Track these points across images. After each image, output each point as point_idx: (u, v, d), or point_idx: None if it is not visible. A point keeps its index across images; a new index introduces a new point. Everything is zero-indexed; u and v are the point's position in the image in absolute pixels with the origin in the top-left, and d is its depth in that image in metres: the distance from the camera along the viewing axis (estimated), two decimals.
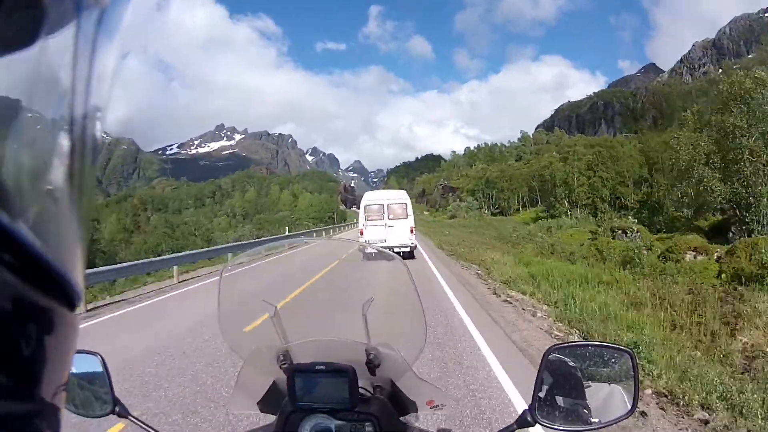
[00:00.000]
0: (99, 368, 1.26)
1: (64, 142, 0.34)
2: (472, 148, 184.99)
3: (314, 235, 51.29)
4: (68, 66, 0.34)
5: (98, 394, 1.25)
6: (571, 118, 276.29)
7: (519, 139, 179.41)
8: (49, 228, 0.34)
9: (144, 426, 1.28)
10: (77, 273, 0.36)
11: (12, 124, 0.33)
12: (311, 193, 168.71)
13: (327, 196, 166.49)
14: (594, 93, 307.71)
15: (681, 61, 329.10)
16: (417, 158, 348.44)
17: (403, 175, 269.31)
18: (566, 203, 75.34)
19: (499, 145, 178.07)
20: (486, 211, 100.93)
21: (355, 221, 47.00)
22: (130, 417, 1.26)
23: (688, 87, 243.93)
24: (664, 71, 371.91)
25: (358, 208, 21.18)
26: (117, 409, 1.25)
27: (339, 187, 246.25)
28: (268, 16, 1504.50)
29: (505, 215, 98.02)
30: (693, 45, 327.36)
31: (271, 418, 1.27)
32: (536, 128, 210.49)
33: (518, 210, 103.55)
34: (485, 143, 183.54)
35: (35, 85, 0.33)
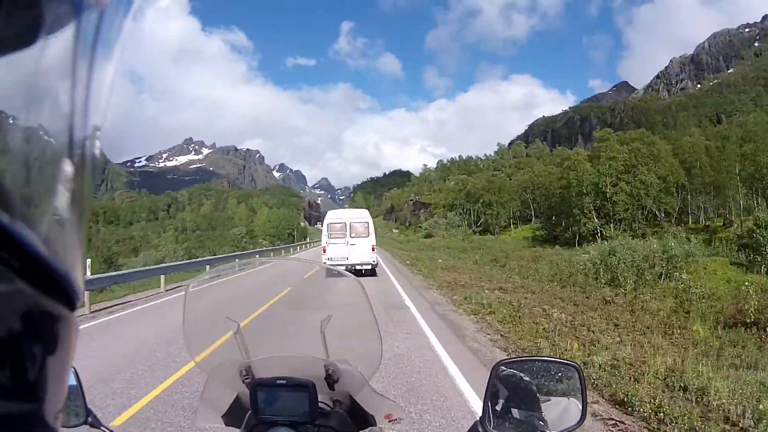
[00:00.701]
0: (72, 380, 1.25)
1: (63, 165, 0.34)
2: (445, 161, 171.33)
3: (257, 257, 39.72)
4: (69, 67, 0.33)
5: (71, 405, 1.24)
6: (546, 133, 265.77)
7: (495, 152, 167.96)
8: (49, 228, 0.33)
9: None
10: (77, 273, 0.36)
11: (12, 125, 0.32)
12: (270, 208, 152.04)
13: (287, 212, 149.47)
14: (570, 108, 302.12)
15: (658, 77, 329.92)
16: (384, 174, 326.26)
17: (370, 191, 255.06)
18: (594, 217, 57.93)
19: (474, 158, 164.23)
20: (468, 229, 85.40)
21: (317, 240, 44.21)
22: (102, 427, 1.27)
23: (666, 102, 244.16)
24: (636, 89, 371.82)
25: (323, 225, 20.94)
26: (90, 419, 1.25)
27: (303, 203, 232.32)
28: (241, 29, 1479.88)
29: (492, 234, 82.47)
30: (670, 61, 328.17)
31: (235, 431, 1.30)
32: (510, 143, 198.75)
33: (506, 227, 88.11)
34: (459, 156, 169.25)
35: (35, 85, 0.33)
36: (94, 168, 0.38)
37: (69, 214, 0.35)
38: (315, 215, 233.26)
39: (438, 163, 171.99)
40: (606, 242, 29.65)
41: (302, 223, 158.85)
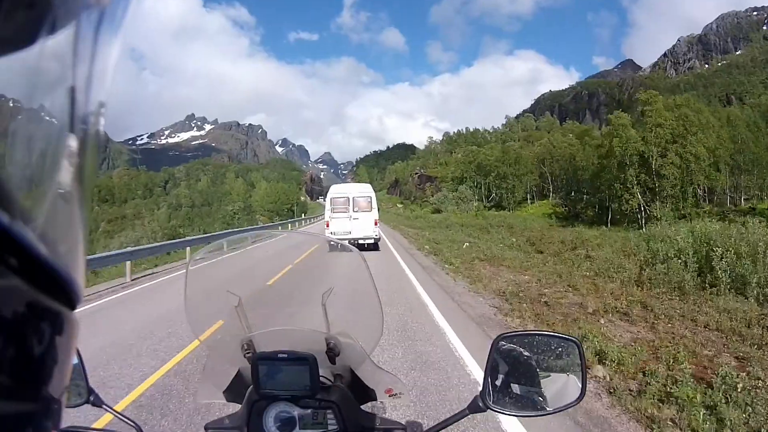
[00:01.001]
0: (74, 360, 1.22)
1: (68, 142, 0.34)
2: (451, 133, 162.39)
3: (250, 239, 31.91)
4: (69, 66, 0.33)
5: (73, 384, 1.25)
6: (553, 108, 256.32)
7: (503, 125, 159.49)
8: (50, 227, 0.33)
9: (117, 414, 1.30)
10: (78, 272, 0.36)
11: (13, 125, 0.32)
12: (270, 182, 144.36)
13: (287, 186, 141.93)
14: (577, 83, 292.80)
15: (665, 55, 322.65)
16: (388, 147, 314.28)
17: (373, 164, 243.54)
18: (638, 194, 48.88)
19: (482, 130, 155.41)
20: (479, 204, 77.52)
21: (319, 215, 42.42)
22: (104, 406, 1.28)
23: (675, 80, 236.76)
24: (642, 67, 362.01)
25: (325, 200, 21.13)
26: (92, 398, 1.27)
27: (305, 177, 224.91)
28: (242, 4, 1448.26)
29: (506, 209, 74.04)
30: (678, 40, 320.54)
31: (237, 407, 1.28)
32: (518, 116, 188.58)
33: (520, 203, 79.87)
34: (466, 128, 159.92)
35: (36, 84, 0.33)
36: (95, 168, 0.37)
37: (68, 214, 0.35)
38: (317, 189, 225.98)
39: (444, 135, 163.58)
40: (654, 224, 22.14)
41: (303, 198, 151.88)
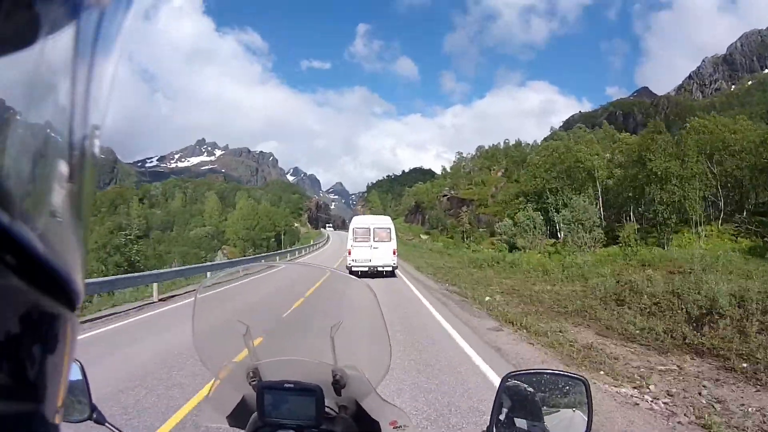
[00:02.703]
0: (78, 375, 1.23)
1: (65, 141, 0.32)
2: (486, 147, 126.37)
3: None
4: (69, 66, 0.32)
5: (76, 401, 1.22)
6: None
7: (546, 138, 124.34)
8: (50, 228, 0.32)
9: None
10: (77, 273, 0.34)
11: (13, 126, 0.31)
12: (257, 202, 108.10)
13: (274, 209, 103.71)
14: (610, 102, 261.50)
15: (690, 77, 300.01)
16: (403, 171, 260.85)
17: (387, 189, 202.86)
18: None
19: (523, 144, 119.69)
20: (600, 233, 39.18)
21: (315, 244, 46.31)
22: (107, 424, 1.24)
23: (705, 101, 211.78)
24: (657, 95, 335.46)
25: (333, 228, 43.31)
26: (94, 415, 1.22)
27: (309, 203, 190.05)
28: (255, 30, 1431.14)
29: (659, 238, 36.99)
30: (702, 61, 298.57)
31: None
32: (546, 137, 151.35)
33: (677, 227, 39.43)
34: (505, 141, 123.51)
35: (35, 85, 0.31)
36: (94, 168, 0.36)
37: (68, 214, 0.34)
38: (324, 218, 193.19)
39: (477, 149, 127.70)
40: None
41: (296, 225, 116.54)
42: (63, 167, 0.33)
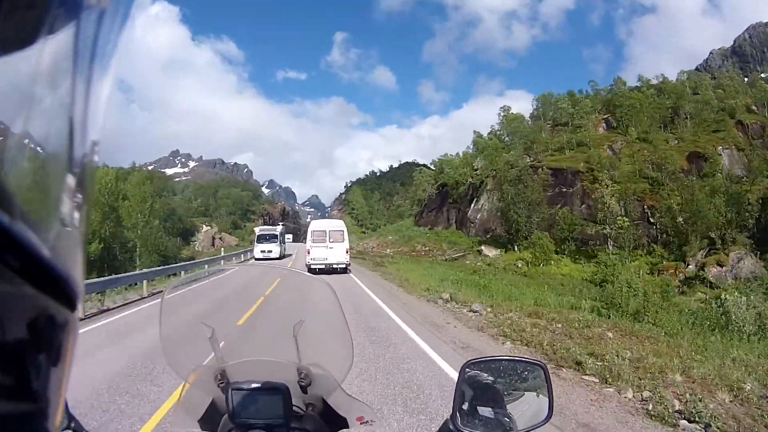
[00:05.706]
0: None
1: (68, 143, 0.32)
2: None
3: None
4: (69, 66, 0.31)
5: None
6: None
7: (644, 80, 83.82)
8: (49, 229, 0.31)
9: None
10: (77, 274, 0.34)
11: (13, 127, 0.30)
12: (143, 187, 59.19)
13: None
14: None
15: (697, 69, 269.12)
16: (391, 167, 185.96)
17: (374, 187, 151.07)
18: None
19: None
20: None
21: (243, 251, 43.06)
22: None
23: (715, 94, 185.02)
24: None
25: (307, 233, 24.19)
26: (72, 424, 1.11)
27: (273, 209, 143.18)
28: (231, 39, 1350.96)
29: None
30: (710, 53, 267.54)
31: None
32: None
33: None
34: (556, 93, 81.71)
35: (35, 85, 0.30)
36: (95, 167, 0.36)
37: (70, 216, 0.33)
38: (292, 227, 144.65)
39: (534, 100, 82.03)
40: None
41: (205, 228, 72.30)
42: (64, 167, 0.32)
